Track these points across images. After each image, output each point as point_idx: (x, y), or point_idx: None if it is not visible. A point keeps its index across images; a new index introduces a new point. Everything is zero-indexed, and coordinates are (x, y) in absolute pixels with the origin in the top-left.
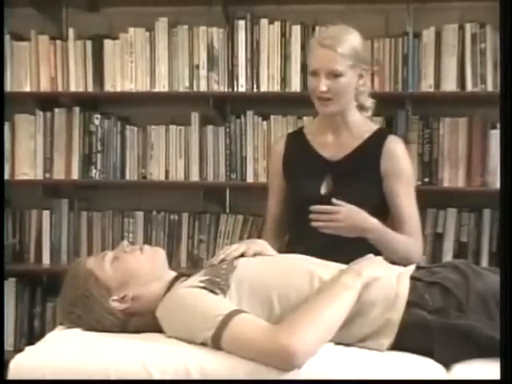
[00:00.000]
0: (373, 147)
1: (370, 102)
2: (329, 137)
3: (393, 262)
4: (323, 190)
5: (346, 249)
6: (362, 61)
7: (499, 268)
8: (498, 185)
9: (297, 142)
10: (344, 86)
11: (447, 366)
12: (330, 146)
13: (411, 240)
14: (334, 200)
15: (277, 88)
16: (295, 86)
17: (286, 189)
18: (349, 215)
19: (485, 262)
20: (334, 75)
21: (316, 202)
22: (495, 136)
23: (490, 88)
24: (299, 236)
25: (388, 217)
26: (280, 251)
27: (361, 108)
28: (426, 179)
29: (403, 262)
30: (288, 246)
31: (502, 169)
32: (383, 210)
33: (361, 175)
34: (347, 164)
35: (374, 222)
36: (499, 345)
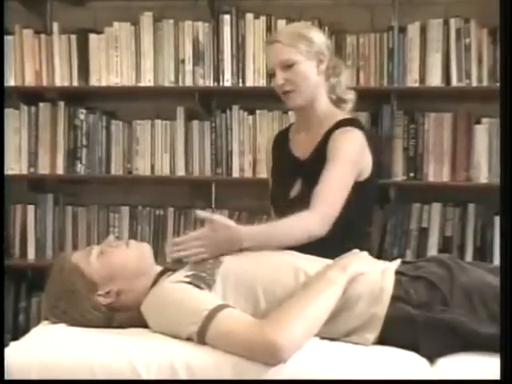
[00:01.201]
0: (326, 140)
1: (348, 95)
2: (303, 133)
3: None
4: (293, 193)
5: (324, 248)
6: (313, 46)
7: (499, 267)
8: (482, 179)
9: (280, 140)
10: (300, 74)
11: (431, 360)
12: (302, 144)
13: (302, 216)
14: (197, 212)
15: (262, 82)
16: None
17: (271, 187)
18: (211, 235)
19: (469, 256)
20: (287, 66)
21: (286, 205)
22: (480, 131)
23: (474, 83)
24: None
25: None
26: None
27: (340, 102)
28: (411, 174)
29: (304, 241)
30: None
31: (502, 164)
32: (354, 203)
33: (320, 172)
34: (311, 162)
35: (242, 229)
36: (483, 339)
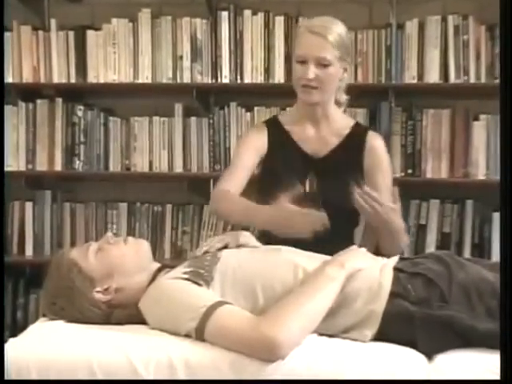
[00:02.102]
0: (355, 144)
1: (344, 98)
2: (309, 129)
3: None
4: (308, 188)
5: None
6: (347, 53)
7: (499, 265)
8: (480, 176)
9: (277, 131)
10: (331, 77)
11: (429, 356)
12: (311, 141)
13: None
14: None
15: (260, 79)
16: (279, 77)
17: (260, 178)
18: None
19: (467, 252)
20: (323, 64)
21: (299, 198)
22: (478, 127)
23: (472, 80)
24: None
25: None
26: None
27: (337, 104)
28: (409, 170)
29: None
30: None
31: (502, 161)
32: None
33: (344, 173)
34: (330, 162)
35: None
36: (481, 335)
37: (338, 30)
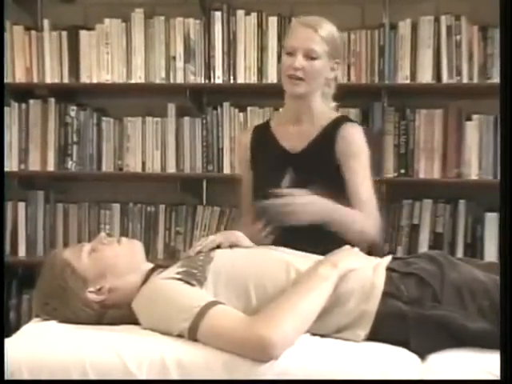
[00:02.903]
0: (329, 135)
1: (332, 105)
2: (290, 126)
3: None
4: (285, 183)
5: (309, 240)
6: (337, 51)
7: (499, 264)
8: (473, 176)
9: (262, 133)
10: (317, 70)
11: (422, 356)
12: (291, 137)
13: (362, 216)
14: (292, 191)
15: (253, 79)
16: (272, 77)
17: (253, 181)
18: (310, 202)
19: (460, 252)
20: (311, 57)
21: (278, 195)
22: (470, 127)
23: (465, 80)
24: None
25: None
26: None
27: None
28: (402, 171)
29: (357, 238)
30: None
31: (503, 161)
32: (344, 198)
33: (321, 166)
34: (307, 155)
35: (329, 203)
36: (474, 335)
37: (329, 27)
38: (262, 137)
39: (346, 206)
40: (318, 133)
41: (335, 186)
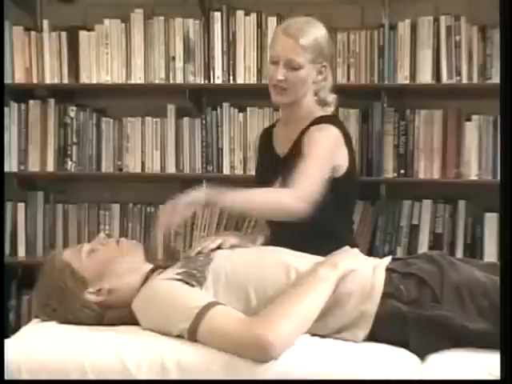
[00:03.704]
0: (301, 137)
1: (331, 98)
2: (283, 130)
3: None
4: (278, 187)
5: (310, 241)
6: (322, 56)
7: (499, 264)
8: (472, 176)
9: (265, 137)
10: (301, 79)
11: (422, 356)
12: (282, 141)
13: (286, 191)
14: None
15: (253, 80)
16: None
17: (255, 180)
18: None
19: (460, 252)
20: (293, 67)
21: None
22: (470, 128)
23: (464, 80)
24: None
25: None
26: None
27: (323, 104)
28: (402, 171)
29: (282, 217)
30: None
31: (503, 161)
32: (327, 199)
33: (295, 169)
34: (289, 159)
35: (212, 193)
36: (473, 335)
37: (312, 32)
38: (265, 139)
39: (328, 208)
40: (296, 136)
41: None
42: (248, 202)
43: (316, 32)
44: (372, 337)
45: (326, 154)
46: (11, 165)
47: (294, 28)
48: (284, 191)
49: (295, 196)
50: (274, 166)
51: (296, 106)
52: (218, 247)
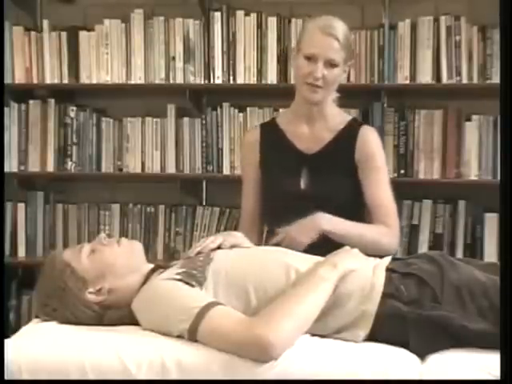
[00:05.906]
0: (347, 138)
1: (335, 96)
2: (303, 128)
3: (368, 254)
4: (303, 185)
5: (323, 242)
6: (350, 55)
7: (499, 264)
8: (472, 176)
9: (271, 132)
10: (336, 77)
11: (422, 356)
12: (305, 139)
13: (383, 230)
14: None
15: (253, 80)
16: (271, 77)
17: (262, 180)
18: (297, 230)
19: (460, 253)
20: (331, 64)
21: (295, 196)
22: (470, 128)
23: (464, 80)
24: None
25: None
26: (258, 244)
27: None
28: (402, 171)
29: (376, 254)
30: (267, 238)
31: (502, 162)
32: (361, 201)
33: (337, 168)
34: (323, 157)
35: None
36: (473, 335)
37: (344, 30)
38: (272, 136)
39: (360, 210)
40: (335, 135)
41: (350, 188)
42: (350, 236)
43: (346, 30)
44: (372, 337)
45: (385, 158)
46: (11, 165)
47: (332, 27)
48: (382, 232)
49: (391, 235)
50: (296, 161)
51: (324, 104)
52: (218, 247)
